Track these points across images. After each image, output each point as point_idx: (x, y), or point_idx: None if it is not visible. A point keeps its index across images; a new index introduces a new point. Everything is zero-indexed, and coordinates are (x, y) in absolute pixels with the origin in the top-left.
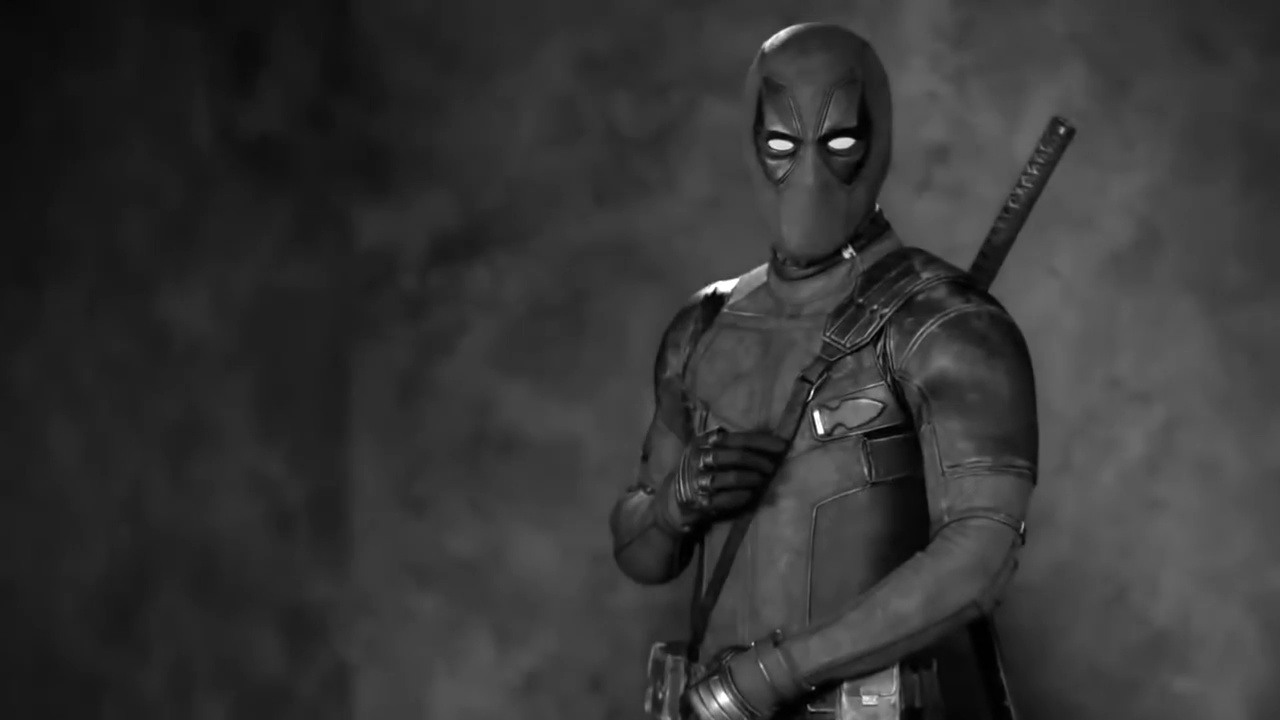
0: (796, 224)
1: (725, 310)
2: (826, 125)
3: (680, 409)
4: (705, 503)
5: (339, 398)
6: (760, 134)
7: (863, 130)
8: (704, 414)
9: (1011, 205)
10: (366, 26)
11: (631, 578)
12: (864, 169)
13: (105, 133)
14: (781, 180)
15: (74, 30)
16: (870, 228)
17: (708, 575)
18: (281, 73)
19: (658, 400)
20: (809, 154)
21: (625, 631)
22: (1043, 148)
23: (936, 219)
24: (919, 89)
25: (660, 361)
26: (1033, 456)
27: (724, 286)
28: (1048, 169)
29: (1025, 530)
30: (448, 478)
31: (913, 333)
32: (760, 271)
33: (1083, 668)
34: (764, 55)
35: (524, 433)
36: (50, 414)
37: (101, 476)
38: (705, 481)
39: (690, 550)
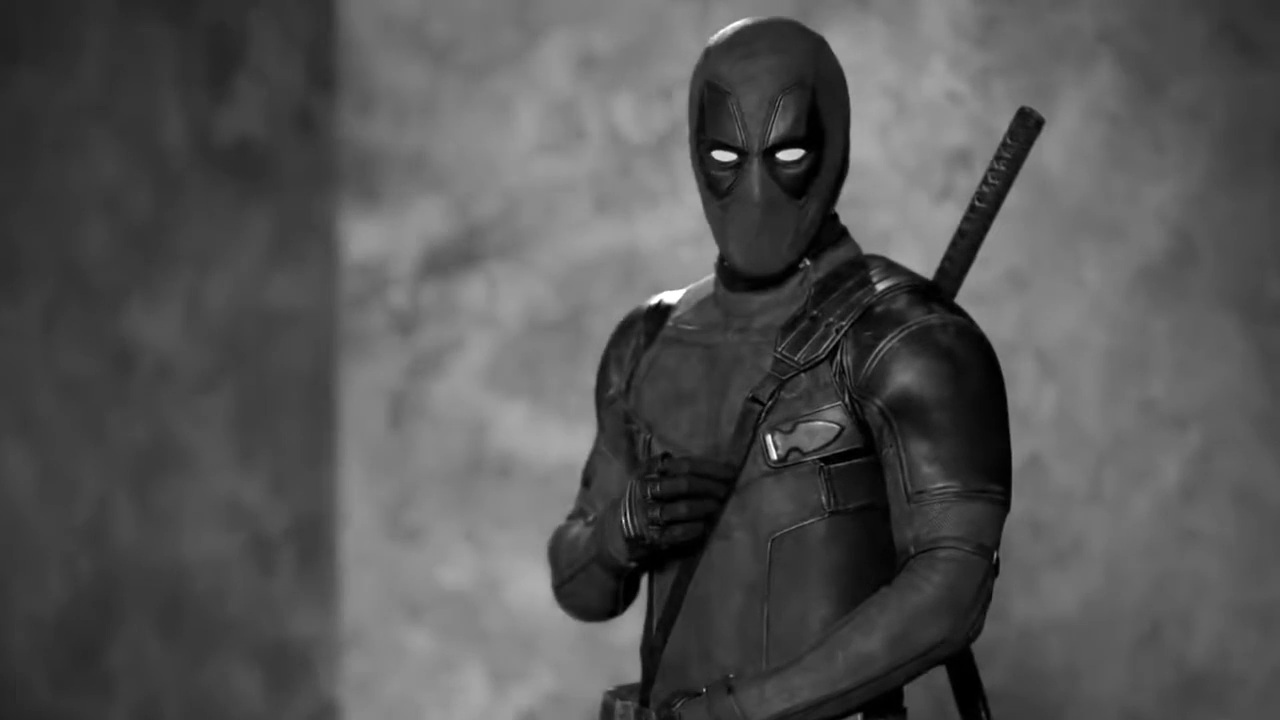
0: (740, 241)
1: (670, 324)
2: (773, 136)
3: (624, 431)
4: (656, 537)
5: (324, 420)
6: (703, 142)
7: (813, 140)
8: (647, 437)
9: (978, 204)
10: (353, 23)
11: (572, 614)
12: (815, 181)
13: (64, 136)
14: (726, 194)
15: (30, 27)
16: (825, 233)
17: (658, 613)
18: (261, 72)
19: (600, 422)
20: (754, 166)
21: (625, 669)
22: (1010, 140)
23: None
24: (939, 90)
25: (602, 380)
26: (1005, 481)
27: (670, 297)
28: (1016, 164)
29: (999, 560)
30: (441, 505)
31: (871, 348)
32: (708, 281)
33: (1114, 711)
34: (708, 54)
35: (522, 457)
36: (3, 437)
37: (59, 504)
38: (655, 514)
39: (636, 584)
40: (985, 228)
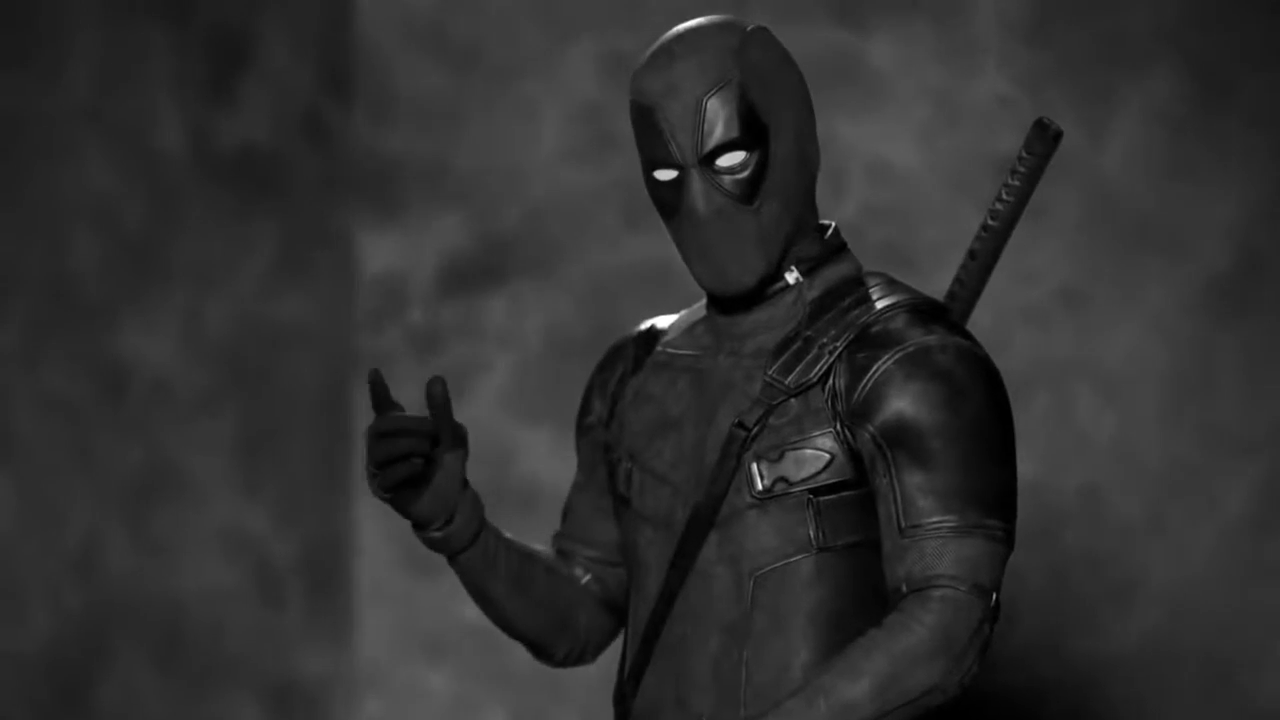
0: (701, 261)
1: (659, 349)
2: (706, 144)
3: (602, 460)
4: (386, 487)
5: (338, 445)
6: (643, 165)
7: (753, 139)
8: (629, 467)
9: (991, 222)
10: (369, 22)
11: (535, 653)
12: (766, 182)
13: (52, 142)
14: (675, 213)
15: (14, 25)
16: (820, 248)
17: (631, 655)
18: (267, 75)
19: (578, 452)
20: (693, 180)
21: None
22: (1026, 153)
23: (1010, 244)
24: (989, 94)
25: (584, 407)
26: (1007, 516)
27: (662, 322)
28: (1033, 179)
29: (999, 602)
30: None
31: (865, 370)
32: (701, 304)
33: None
34: (634, 74)
35: (547, 486)
36: None
37: (44, 533)
38: (378, 457)
39: (602, 629)
40: (999, 247)
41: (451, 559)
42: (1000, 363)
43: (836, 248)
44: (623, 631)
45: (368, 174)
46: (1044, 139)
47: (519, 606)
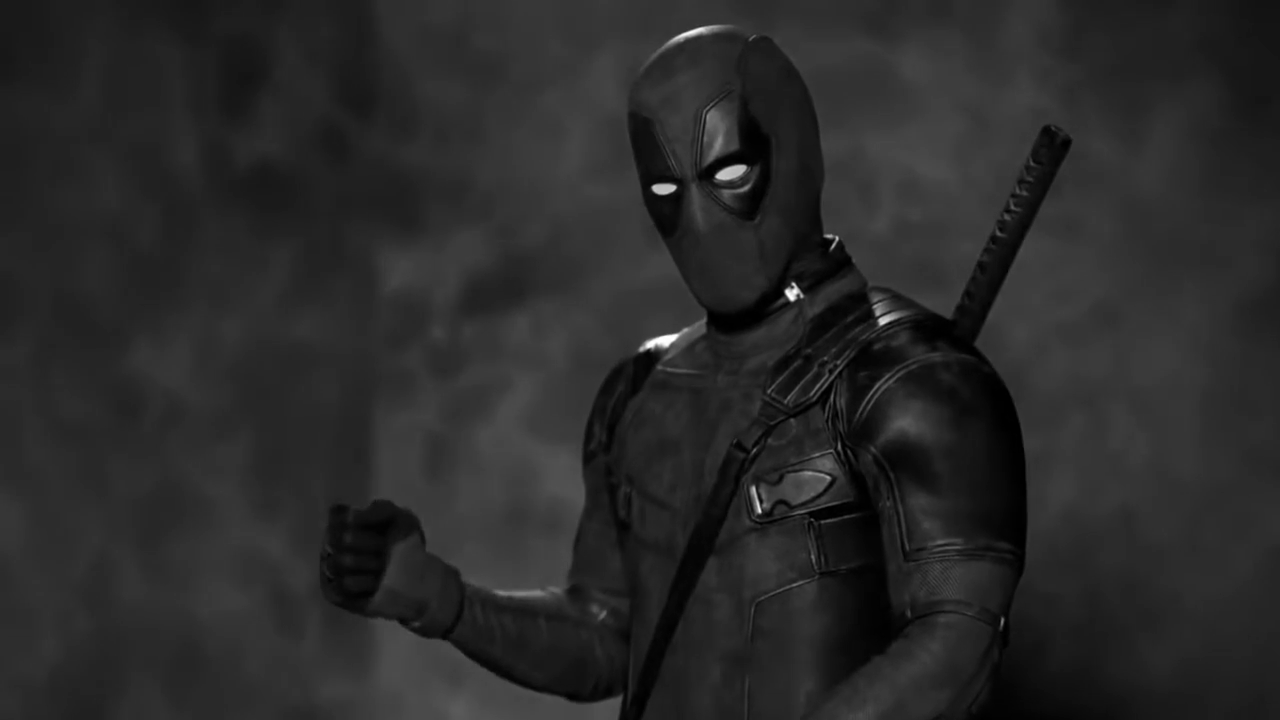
0: (699, 277)
1: (658, 369)
2: (706, 157)
3: (604, 485)
4: (332, 593)
5: (357, 467)
6: (641, 179)
7: (755, 152)
8: (628, 490)
9: (999, 234)
10: (389, 35)
11: (552, 692)
12: (767, 196)
13: (62, 160)
14: (674, 229)
15: (24, 40)
16: (823, 263)
17: (633, 684)
18: (284, 89)
19: (585, 479)
20: (692, 194)
21: None
22: (1034, 163)
23: (1043, 260)
24: (1023, 106)
25: (587, 433)
26: (1017, 537)
27: (663, 342)
28: (1041, 189)
29: (1008, 627)
30: (483, 560)
31: (867, 389)
32: (701, 323)
33: None
34: (632, 85)
35: (571, 507)
36: None
37: (54, 558)
38: (323, 567)
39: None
40: (1009, 261)
41: (443, 637)
42: (1033, 381)
43: (840, 263)
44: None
45: (387, 190)
46: (1052, 147)
47: (525, 665)
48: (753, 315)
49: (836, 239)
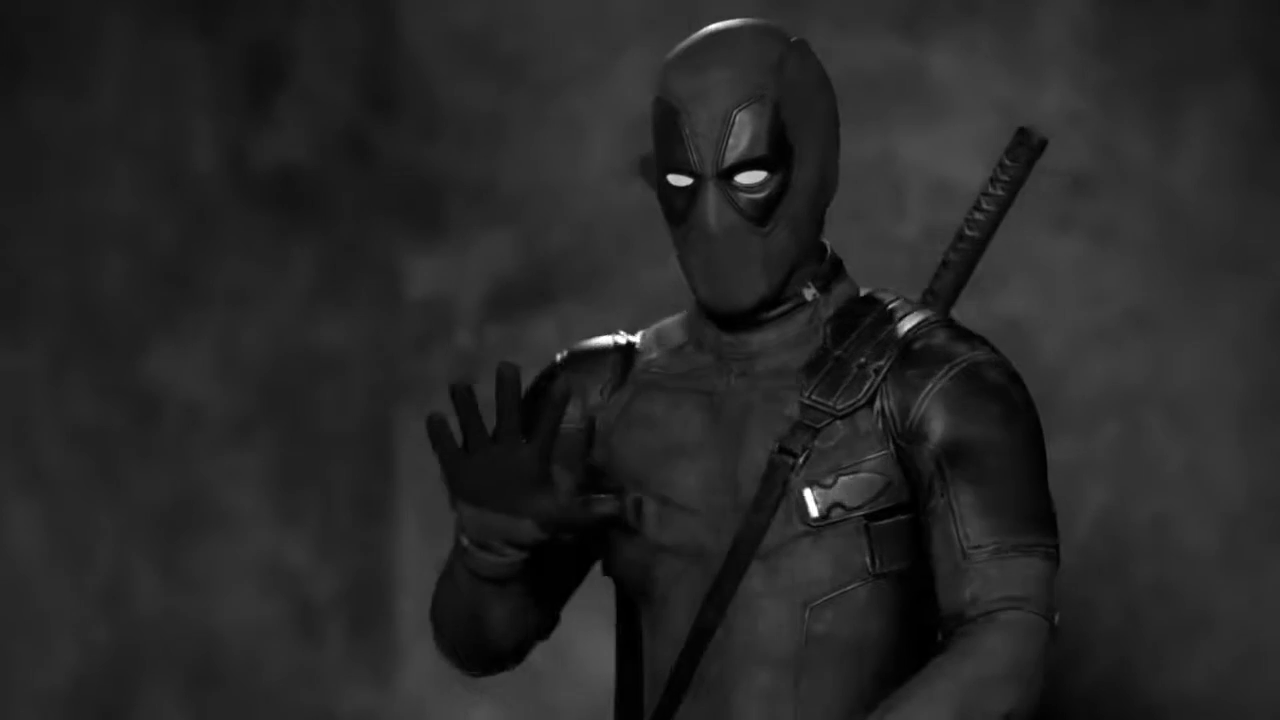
0: (702, 274)
1: (640, 367)
2: (729, 158)
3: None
4: (580, 516)
5: (380, 474)
6: (658, 165)
7: (778, 160)
8: (636, 496)
9: (968, 233)
10: (412, 37)
11: (473, 665)
12: (781, 206)
13: (79, 162)
14: (683, 221)
15: (40, 40)
16: (829, 267)
17: (655, 697)
18: (306, 91)
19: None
20: (709, 192)
21: None
22: (1008, 162)
23: (1077, 263)
24: (1057, 108)
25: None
26: (1056, 534)
27: (632, 338)
28: (1013, 189)
29: (1059, 621)
30: None
31: (919, 388)
32: (673, 323)
33: None
34: (663, 68)
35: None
36: (6, 492)
37: (71, 566)
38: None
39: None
40: (975, 260)
41: (498, 582)
42: (1068, 388)
43: (839, 266)
44: (621, 671)
45: (410, 193)
46: (1028, 146)
47: (504, 618)
48: (755, 315)
49: (828, 244)
